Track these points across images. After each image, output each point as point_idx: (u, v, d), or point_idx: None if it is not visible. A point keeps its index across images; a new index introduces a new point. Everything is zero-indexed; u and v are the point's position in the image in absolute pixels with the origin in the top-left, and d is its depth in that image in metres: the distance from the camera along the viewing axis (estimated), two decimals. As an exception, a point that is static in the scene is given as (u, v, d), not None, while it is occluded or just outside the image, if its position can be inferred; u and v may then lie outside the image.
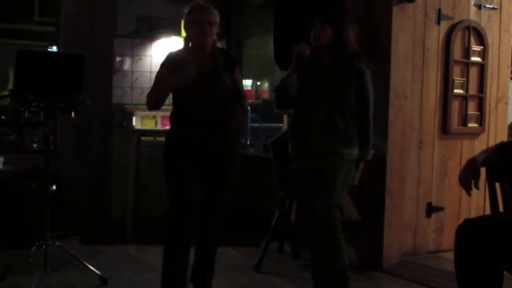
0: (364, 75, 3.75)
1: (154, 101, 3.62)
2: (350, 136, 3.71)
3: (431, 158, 4.91)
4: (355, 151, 3.72)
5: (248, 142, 6.36)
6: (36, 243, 4.28)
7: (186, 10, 3.63)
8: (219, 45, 3.81)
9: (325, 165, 3.67)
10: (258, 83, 6.84)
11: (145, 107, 5.18)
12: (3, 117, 6.30)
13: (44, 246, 4.25)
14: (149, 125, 5.69)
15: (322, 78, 3.75)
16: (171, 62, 3.55)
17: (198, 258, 3.78)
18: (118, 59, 5.93)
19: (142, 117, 5.71)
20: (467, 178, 2.83)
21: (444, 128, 4.92)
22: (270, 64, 5.22)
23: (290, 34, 4.35)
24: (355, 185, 3.81)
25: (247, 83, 6.58)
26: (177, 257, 3.56)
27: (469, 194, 2.85)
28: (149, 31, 6.17)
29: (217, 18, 3.58)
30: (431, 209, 4.91)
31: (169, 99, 3.70)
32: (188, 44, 3.62)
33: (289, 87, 3.77)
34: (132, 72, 5.92)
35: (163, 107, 3.73)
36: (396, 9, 4.63)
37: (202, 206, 3.61)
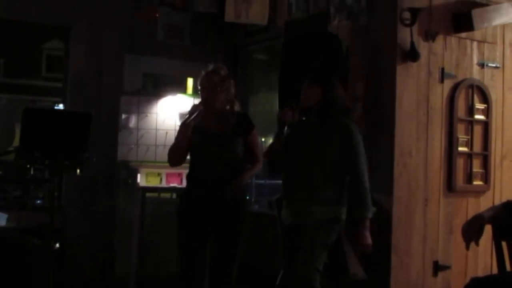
0: (348, 132, 3.78)
1: (172, 154, 3.80)
2: (328, 195, 3.73)
3: (437, 216, 4.89)
4: (335, 210, 3.73)
5: (253, 199, 6.37)
6: (39, 302, 4.26)
7: None
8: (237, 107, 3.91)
9: (303, 224, 3.72)
10: (263, 139, 6.88)
11: (150, 164, 5.32)
12: (7, 174, 6.32)
13: (47, 306, 4.22)
14: (154, 182, 5.70)
15: (307, 138, 3.85)
16: (188, 116, 3.70)
17: None
18: (124, 116, 6.03)
19: (147, 174, 5.73)
20: (470, 232, 2.83)
21: (450, 186, 4.92)
22: (275, 120, 5.26)
23: (295, 91, 4.41)
24: (367, 244, 3.78)
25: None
26: None
27: (467, 248, 2.84)
28: (155, 89, 6.26)
29: (223, 81, 3.75)
30: (437, 268, 4.86)
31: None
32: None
33: (276, 152, 3.90)
34: (138, 129, 6.02)
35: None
36: (400, 68, 4.69)
37: (213, 264, 3.73)
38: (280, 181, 6.34)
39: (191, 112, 3.70)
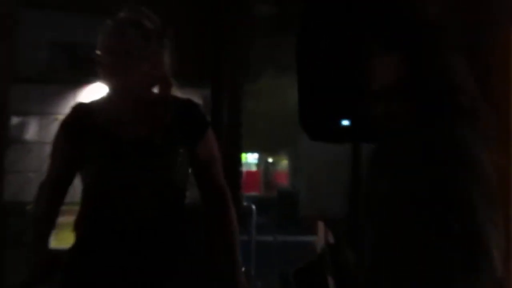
0: (466, 156, 3.03)
1: (37, 198, 3.43)
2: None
3: None
4: None
5: (252, 271, 5.88)
6: None
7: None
8: (182, 94, 3.38)
9: None
10: (270, 160, 6.35)
11: (67, 206, 5.01)
12: None
13: None
14: (69, 241, 4.97)
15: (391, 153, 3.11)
16: (75, 121, 3.35)
17: None
18: (16, 120, 5.63)
19: (61, 226, 5.01)
20: None
21: None
22: (291, 126, 4.87)
23: (328, 73, 3.73)
24: None
25: (250, 159, 6.02)
26: None
27: None
28: (72, 69, 5.92)
29: (147, 40, 3.28)
30: None
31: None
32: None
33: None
34: (41, 143, 5.80)
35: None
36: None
37: None
38: (298, 237, 6.00)
39: (70, 118, 3.27)
